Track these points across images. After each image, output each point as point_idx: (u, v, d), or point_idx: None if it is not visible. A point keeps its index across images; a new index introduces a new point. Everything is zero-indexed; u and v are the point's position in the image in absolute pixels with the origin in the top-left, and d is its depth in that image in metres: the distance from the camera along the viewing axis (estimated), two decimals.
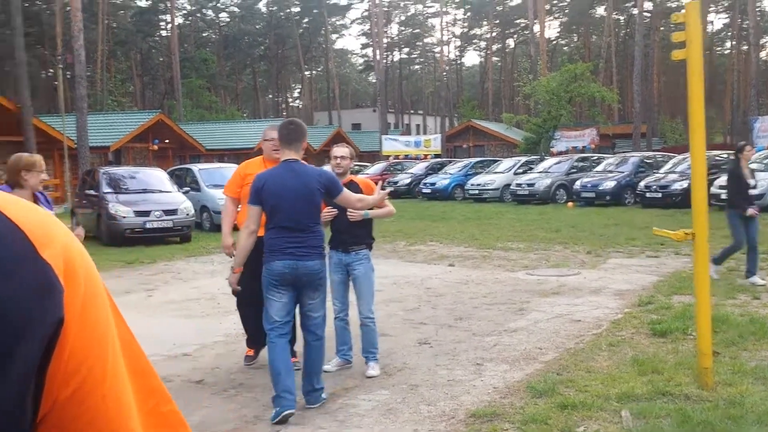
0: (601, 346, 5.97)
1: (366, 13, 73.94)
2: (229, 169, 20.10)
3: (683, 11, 3.84)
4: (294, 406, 4.49)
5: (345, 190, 4.84)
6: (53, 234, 0.66)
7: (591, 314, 7.27)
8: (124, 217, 14.51)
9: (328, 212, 5.19)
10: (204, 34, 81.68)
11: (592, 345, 6.03)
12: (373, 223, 5.61)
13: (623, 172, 22.88)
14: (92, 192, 15.89)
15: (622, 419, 4.27)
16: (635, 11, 44.58)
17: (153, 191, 15.68)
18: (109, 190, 15.45)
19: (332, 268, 5.42)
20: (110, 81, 56.16)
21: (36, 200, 4.57)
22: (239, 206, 5.69)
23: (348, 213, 5.24)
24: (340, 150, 5.46)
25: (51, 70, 58.29)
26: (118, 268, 11.71)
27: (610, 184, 22.24)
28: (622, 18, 72.08)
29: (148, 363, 0.74)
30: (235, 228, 5.52)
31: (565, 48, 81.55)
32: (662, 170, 21.90)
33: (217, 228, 12.93)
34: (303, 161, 4.73)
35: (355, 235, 5.39)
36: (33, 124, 25.74)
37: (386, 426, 4.38)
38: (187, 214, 15.09)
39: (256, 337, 5.79)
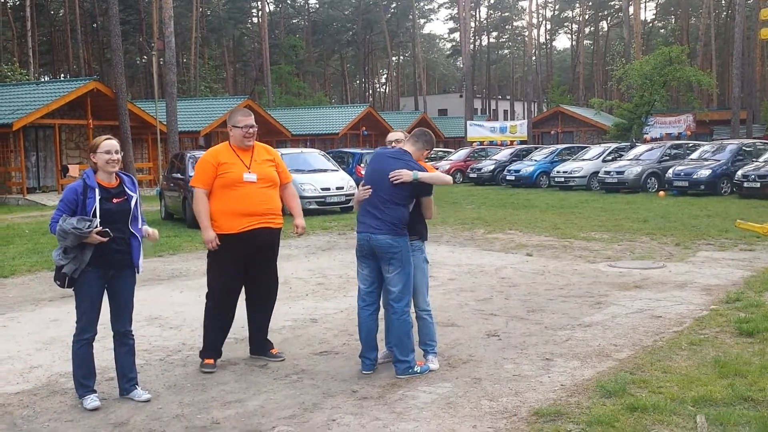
0: (681, 345, 5.64)
1: None
2: (311, 155, 20.42)
3: None
4: (371, 368, 5.17)
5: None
6: None
7: (673, 310, 6.90)
8: None
9: (364, 190, 5.14)
10: (294, 21, 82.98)
11: (672, 343, 5.70)
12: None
13: (719, 161, 21.73)
14: (179, 175, 16.35)
15: (697, 425, 3.99)
16: None
17: None
18: None
19: None
20: (203, 67, 57.77)
21: (120, 182, 4.65)
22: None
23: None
24: (394, 135, 5.52)
25: (145, 57, 60.44)
26: (200, 250, 11.99)
27: (704, 173, 21.17)
28: None
29: None
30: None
31: (662, 30, 78.37)
32: (762, 159, 20.70)
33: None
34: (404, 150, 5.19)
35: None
36: (128, 109, 26.76)
37: (444, 420, 4.25)
38: None
39: (217, 343, 5.51)
